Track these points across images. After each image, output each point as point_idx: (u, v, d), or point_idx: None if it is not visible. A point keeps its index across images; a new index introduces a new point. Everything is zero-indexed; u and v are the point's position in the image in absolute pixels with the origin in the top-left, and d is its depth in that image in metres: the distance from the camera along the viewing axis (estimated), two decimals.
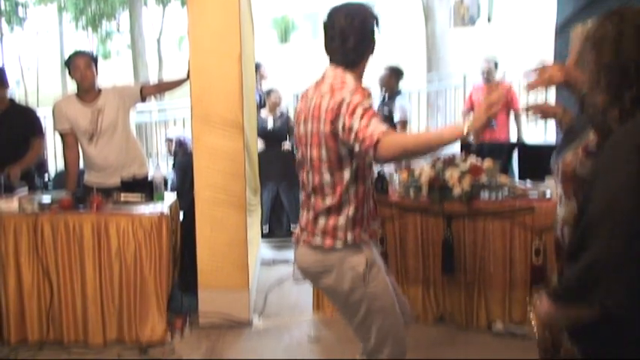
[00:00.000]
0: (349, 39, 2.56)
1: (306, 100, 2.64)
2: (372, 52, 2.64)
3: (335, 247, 2.59)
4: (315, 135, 2.55)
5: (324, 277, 2.65)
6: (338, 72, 2.59)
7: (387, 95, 6.61)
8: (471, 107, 7.33)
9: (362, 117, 2.39)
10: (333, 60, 2.63)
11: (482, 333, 4.14)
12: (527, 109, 2.85)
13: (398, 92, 6.61)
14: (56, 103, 4.64)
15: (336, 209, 2.58)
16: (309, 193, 2.66)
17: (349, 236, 2.59)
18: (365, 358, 2.80)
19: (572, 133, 2.54)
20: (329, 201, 2.58)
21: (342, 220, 2.58)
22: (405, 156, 2.62)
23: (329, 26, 2.61)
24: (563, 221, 2.57)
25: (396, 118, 6.47)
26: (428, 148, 2.38)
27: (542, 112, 2.92)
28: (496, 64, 7.06)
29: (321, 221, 2.60)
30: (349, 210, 2.58)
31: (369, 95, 2.52)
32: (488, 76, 7.00)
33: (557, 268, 2.73)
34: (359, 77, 2.63)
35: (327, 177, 2.56)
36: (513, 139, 7.09)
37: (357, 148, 2.40)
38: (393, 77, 6.63)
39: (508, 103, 6.90)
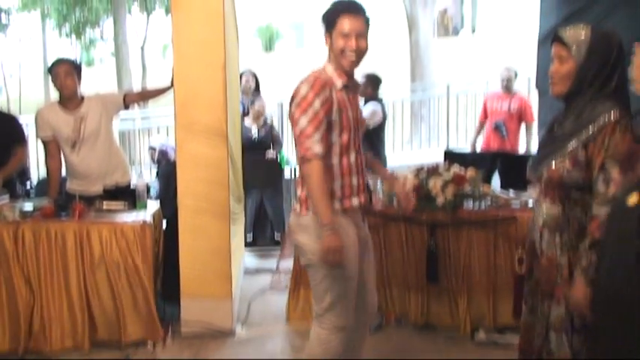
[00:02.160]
0: None
1: None
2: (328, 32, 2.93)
3: (309, 212, 2.90)
4: None
5: (299, 235, 2.96)
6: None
7: (363, 102, 6.61)
8: (486, 116, 7.20)
9: (310, 121, 2.79)
10: None
11: (465, 341, 4.15)
12: None
13: (375, 99, 6.61)
14: (39, 110, 4.62)
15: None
16: None
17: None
18: (315, 319, 3.06)
19: (555, 140, 2.57)
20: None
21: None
22: (307, 188, 2.88)
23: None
24: (544, 224, 2.60)
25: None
26: (314, 199, 2.82)
27: None
28: (516, 74, 7.03)
29: (299, 191, 2.98)
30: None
31: (322, 88, 2.82)
32: (507, 85, 6.95)
33: (527, 268, 2.77)
34: (337, 64, 2.93)
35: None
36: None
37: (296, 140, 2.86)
38: (369, 85, 6.60)
39: (521, 114, 6.91)
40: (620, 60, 2.46)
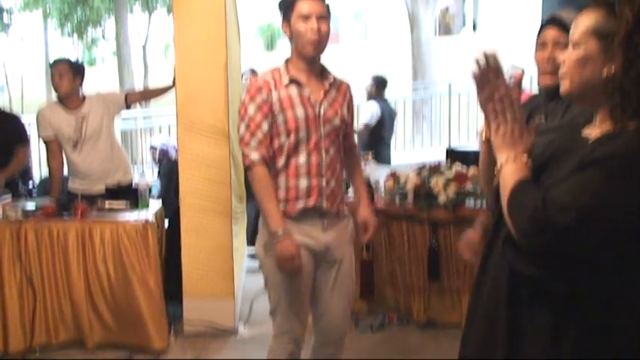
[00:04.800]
0: None
1: None
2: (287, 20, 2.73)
3: None
4: None
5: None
6: None
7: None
8: None
9: (246, 127, 2.70)
10: None
11: None
12: None
13: (375, 98, 6.97)
14: (40, 110, 4.62)
15: None
16: None
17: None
18: None
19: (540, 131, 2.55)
20: None
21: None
22: (255, 196, 2.80)
23: None
24: None
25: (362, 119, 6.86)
26: (261, 207, 2.75)
27: None
28: (523, 72, 6.98)
29: None
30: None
31: (257, 91, 2.69)
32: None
33: None
34: (296, 54, 2.74)
35: None
36: None
37: None
38: (373, 85, 7.07)
39: None
40: None
